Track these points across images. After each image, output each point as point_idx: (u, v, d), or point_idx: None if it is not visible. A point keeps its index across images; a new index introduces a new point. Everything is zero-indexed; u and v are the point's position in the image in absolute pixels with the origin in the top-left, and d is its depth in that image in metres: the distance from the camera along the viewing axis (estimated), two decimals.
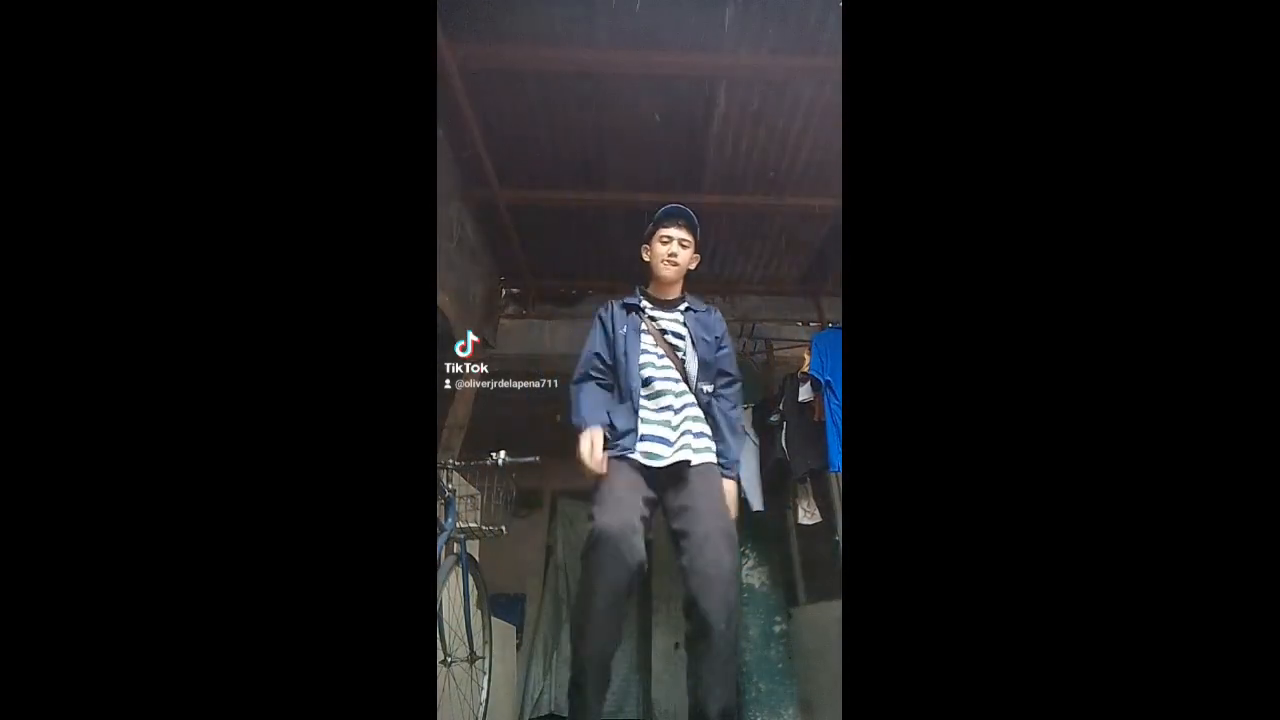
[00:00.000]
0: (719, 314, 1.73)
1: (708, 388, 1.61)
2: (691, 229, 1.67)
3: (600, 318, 1.68)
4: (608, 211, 3.20)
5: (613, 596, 1.35)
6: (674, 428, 1.52)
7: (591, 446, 1.45)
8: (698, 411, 1.57)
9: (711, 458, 1.54)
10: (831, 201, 3.04)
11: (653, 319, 1.64)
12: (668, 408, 1.55)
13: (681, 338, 1.63)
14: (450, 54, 2.22)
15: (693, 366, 1.59)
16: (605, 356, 1.63)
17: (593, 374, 1.61)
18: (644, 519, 1.43)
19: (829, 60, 2.28)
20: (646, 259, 1.70)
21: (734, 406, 1.66)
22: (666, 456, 1.49)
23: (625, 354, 1.59)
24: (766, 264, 3.69)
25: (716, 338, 1.66)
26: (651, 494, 1.48)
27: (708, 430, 1.57)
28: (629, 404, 1.54)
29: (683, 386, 1.57)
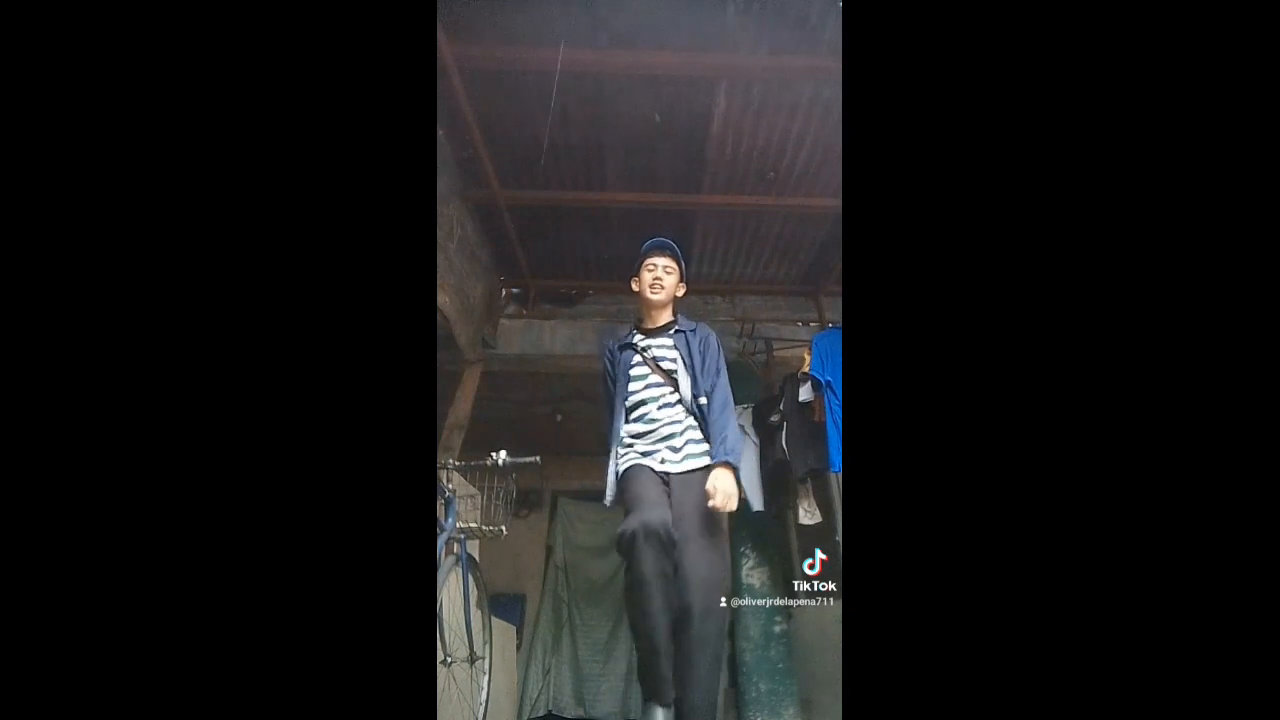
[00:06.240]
0: (707, 329, 1.79)
1: (704, 400, 1.67)
2: (675, 259, 1.78)
3: (605, 357, 1.83)
4: (608, 211, 3.20)
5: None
6: (678, 442, 1.63)
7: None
8: (694, 421, 1.65)
9: (703, 461, 1.60)
10: (831, 201, 3.04)
11: (645, 349, 1.73)
12: (668, 426, 1.64)
13: (675, 361, 1.70)
14: (450, 54, 2.22)
15: (686, 388, 1.67)
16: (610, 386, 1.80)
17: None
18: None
19: (829, 60, 2.28)
20: (635, 289, 1.80)
21: (722, 404, 1.67)
22: (674, 465, 1.59)
23: (617, 393, 1.74)
24: (766, 264, 3.68)
25: (703, 354, 1.72)
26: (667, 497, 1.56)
27: (702, 438, 1.65)
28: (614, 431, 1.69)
29: (679, 410, 1.65)
